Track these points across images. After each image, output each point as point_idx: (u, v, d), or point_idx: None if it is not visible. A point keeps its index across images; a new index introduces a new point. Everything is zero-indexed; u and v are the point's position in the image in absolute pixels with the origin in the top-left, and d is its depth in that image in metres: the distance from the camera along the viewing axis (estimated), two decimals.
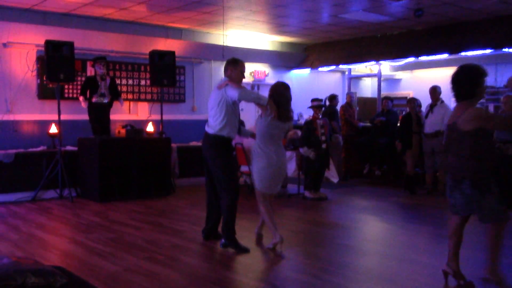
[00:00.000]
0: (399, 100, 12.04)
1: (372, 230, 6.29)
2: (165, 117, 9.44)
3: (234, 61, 5.04)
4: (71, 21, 9.05)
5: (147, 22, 9.79)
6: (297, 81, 12.45)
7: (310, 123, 7.88)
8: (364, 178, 10.06)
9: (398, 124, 9.03)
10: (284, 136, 5.22)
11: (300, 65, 12.64)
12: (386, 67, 12.69)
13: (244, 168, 7.82)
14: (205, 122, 5.17)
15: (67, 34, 8.56)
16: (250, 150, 5.23)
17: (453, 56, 10.29)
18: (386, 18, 9.54)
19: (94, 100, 8.24)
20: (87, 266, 4.48)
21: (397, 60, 11.24)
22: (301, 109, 11.36)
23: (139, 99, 9.90)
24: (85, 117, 8.41)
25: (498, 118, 5.36)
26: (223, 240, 5.05)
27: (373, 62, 11.59)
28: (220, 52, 9.97)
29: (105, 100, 8.32)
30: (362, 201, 7.99)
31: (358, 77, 13.56)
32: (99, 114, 8.32)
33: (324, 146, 7.84)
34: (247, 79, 11.07)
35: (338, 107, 10.15)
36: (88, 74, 8.91)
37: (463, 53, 9.89)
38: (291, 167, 9.00)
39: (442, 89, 8.18)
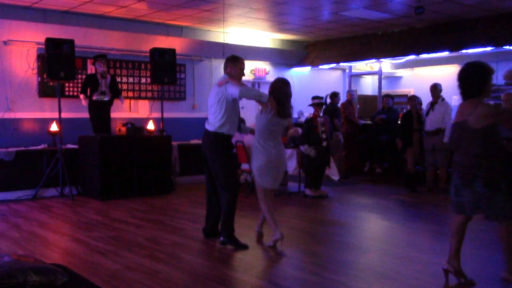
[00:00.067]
0: (400, 97, 12.04)
1: (372, 228, 6.29)
2: (166, 115, 9.44)
3: (234, 59, 5.04)
4: (71, 19, 9.05)
5: (147, 20, 9.78)
6: (298, 79, 12.45)
7: (310, 121, 7.87)
8: (365, 176, 10.07)
9: (399, 122, 9.01)
10: (284, 133, 5.22)
11: (300, 63, 12.62)
12: (386, 64, 12.69)
13: (244, 166, 7.82)
14: (205, 120, 5.17)
15: (67, 32, 8.55)
16: (251, 148, 5.24)
17: (454, 54, 10.29)
18: (386, 15, 9.53)
19: (94, 98, 8.24)
20: (88, 264, 4.48)
21: (398, 57, 11.22)
22: (301, 107, 11.35)
23: (139, 97, 9.90)
24: (86, 115, 8.41)
25: (508, 113, 5.29)
26: (221, 238, 5.06)
27: (373, 60, 11.57)
28: (220, 49, 9.96)
29: (106, 98, 8.32)
30: (363, 199, 7.98)
31: (359, 75, 13.55)
32: (100, 112, 8.32)
33: (324, 144, 7.83)
34: (248, 76, 11.06)
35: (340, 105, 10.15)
36: (89, 72, 8.91)
37: (464, 51, 9.88)
38: (292, 165, 9.00)
39: (443, 87, 8.17)
